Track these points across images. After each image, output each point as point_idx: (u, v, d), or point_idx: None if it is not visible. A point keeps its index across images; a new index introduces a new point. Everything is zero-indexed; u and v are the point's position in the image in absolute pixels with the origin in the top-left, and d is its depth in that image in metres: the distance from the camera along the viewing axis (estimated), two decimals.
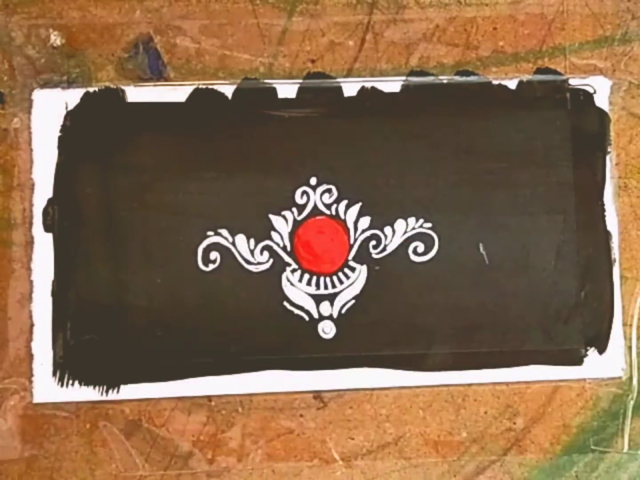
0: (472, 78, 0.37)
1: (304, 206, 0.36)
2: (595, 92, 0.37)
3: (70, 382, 0.35)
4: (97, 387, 0.35)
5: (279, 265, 0.36)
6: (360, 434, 0.36)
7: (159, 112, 0.36)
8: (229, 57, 0.36)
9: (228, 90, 0.36)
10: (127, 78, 0.36)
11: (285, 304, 0.36)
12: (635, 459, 0.36)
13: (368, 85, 0.36)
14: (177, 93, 0.36)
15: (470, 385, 0.36)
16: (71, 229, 0.35)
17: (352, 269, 0.36)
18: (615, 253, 0.36)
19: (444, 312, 0.36)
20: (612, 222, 0.37)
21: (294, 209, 0.36)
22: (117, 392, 0.35)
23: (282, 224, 0.36)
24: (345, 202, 0.36)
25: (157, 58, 0.36)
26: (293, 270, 0.36)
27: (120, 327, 0.35)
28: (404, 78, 0.36)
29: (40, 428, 0.35)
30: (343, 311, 0.36)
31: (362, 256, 0.36)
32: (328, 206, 0.36)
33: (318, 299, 0.36)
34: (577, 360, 0.36)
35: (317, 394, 0.36)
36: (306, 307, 0.36)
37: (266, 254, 0.36)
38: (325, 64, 0.36)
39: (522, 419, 0.36)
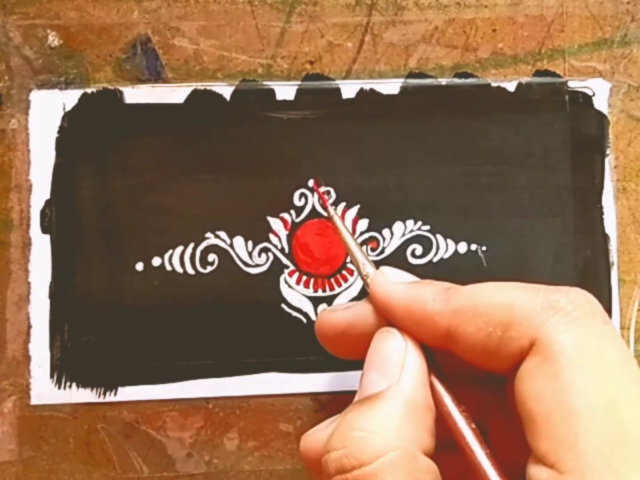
0: (470, 80, 0.37)
1: (302, 208, 0.36)
2: (594, 95, 0.37)
3: (68, 384, 0.35)
4: (94, 389, 0.35)
5: (277, 267, 0.36)
6: None
7: (157, 114, 0.36)
8: (227, 59, 0.36)
9: (226, 91, 0.36)
10: (125, 79, 0.36)
11: (283, 306, 0.35)
12: None
13: (367, 87, 0.36)
14: (175, 94, 0.36)
15: None
16: (69, 231, 0.35)
17: (351, 272, 0.36)
18: (614, 256, 0.36)
19: None
20: (610, 225, 0.37)
21: (292, 211, 0.36)
22: (115, 394, 0.35)
23: (280, 226, 0.36)
24: (343, 204, 0.36)
25: (155, 59, 0.36)
26: (291, 273, 0.36)
27: (118, 329, 0.35)
28: (402, 80, 0.36)
29: (37, 430, 0.35)
30: None
31: None
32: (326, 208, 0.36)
33: (316, 301, 0.36)
34: None
35: (315, 397, 0.35)
36: (304, 310, 0.36)
37: (264, 256, 0.36)
38: (324, 65, 0.36)
39: None
